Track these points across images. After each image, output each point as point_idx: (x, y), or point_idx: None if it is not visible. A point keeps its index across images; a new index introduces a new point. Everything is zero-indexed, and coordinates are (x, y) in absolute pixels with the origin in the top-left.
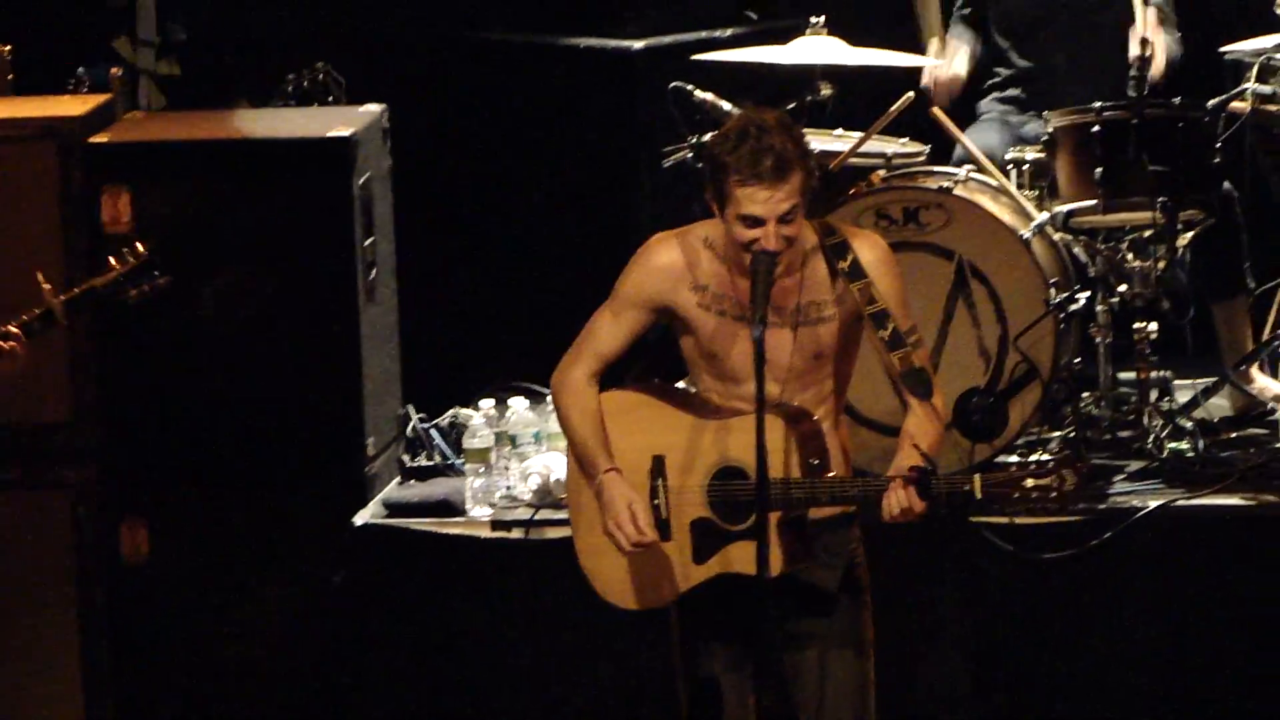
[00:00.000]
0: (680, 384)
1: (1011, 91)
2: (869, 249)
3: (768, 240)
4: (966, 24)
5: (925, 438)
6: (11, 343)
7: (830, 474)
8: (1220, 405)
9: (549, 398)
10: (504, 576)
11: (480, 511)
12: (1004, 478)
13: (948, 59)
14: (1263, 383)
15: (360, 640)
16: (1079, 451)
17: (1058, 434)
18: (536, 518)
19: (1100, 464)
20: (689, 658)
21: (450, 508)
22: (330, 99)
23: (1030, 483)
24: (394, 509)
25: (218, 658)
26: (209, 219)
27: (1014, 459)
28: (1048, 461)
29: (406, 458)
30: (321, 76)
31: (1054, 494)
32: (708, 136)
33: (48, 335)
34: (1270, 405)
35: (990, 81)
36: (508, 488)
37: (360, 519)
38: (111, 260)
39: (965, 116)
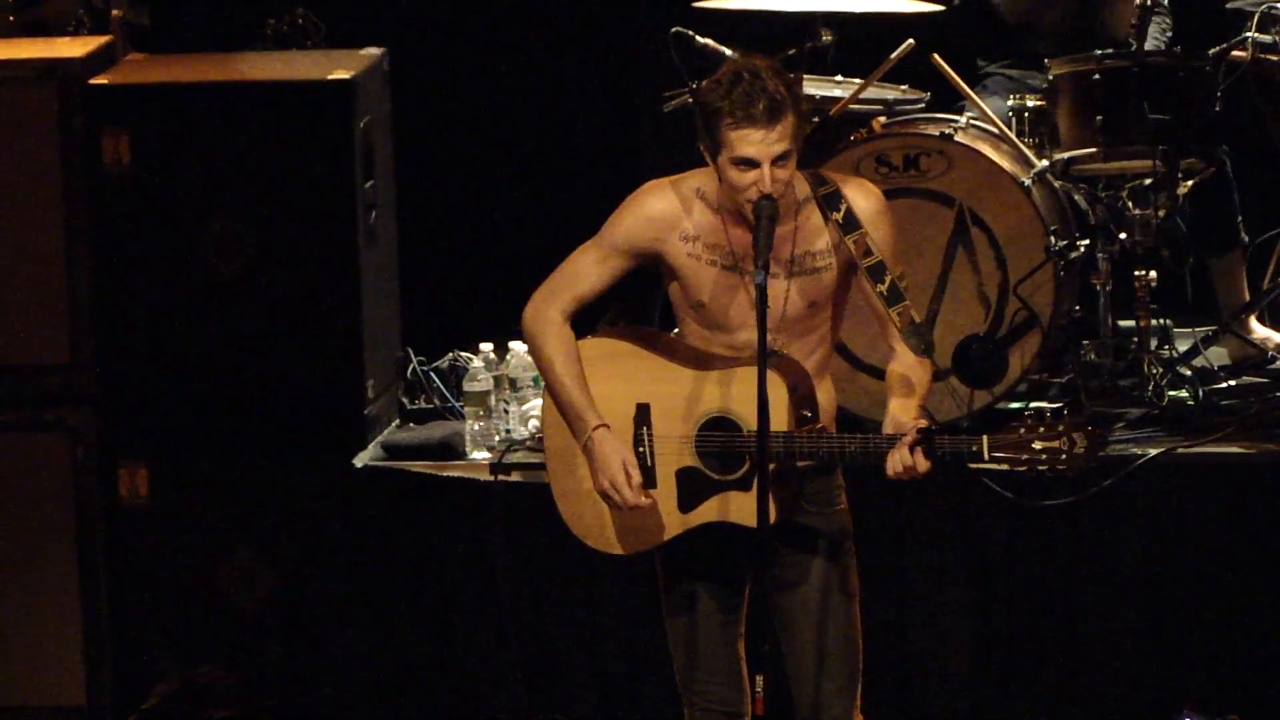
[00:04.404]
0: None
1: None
2: (863, 198)
3: (763, 183)
4: None
5: (922, 390)
6: None
7: (819, 425)
8: (1219, 354)
9: None
10: (503, 520)
11: (479, 455)
12: (1012, 439)
13: None
14: (1262, 332)
15: (359, 583)
16: (1090, 414)
17: (1057, 381)
18: (533, 460)
19: (1100, 411)
20: (674, 602)
21: (449, 450)
22: (309, 44)
23: (1039, 445)
24: (393, 451)
25: (217, 600)
26: (209, 162)
27: (1020, 409)
28: (1057, 423)
29: (406, 401)
30: (301, 21)
31: (1063, 456)
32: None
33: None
34: (1270, 355)
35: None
36: (507, 431)
37: (360, 461)
38: None
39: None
